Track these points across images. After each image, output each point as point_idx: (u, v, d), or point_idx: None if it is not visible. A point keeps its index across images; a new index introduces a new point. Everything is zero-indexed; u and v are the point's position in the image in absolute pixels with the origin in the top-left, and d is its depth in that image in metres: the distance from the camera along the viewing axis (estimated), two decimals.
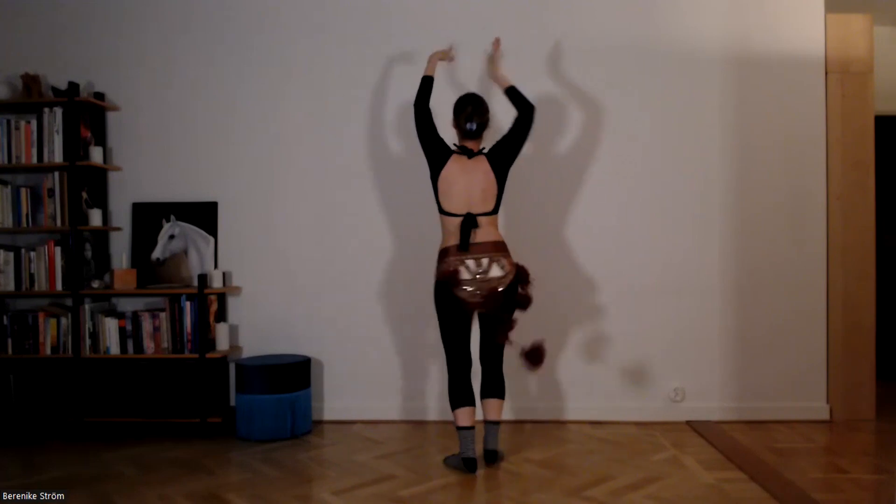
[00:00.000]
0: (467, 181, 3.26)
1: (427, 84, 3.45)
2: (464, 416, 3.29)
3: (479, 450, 3.37)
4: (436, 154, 3.31)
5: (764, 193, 4.13)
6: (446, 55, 3.68)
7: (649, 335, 4.13)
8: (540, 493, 3.02)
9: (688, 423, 4.09)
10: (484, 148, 3.36)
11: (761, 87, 4.13)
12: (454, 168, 3.27)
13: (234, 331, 4.21)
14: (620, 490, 3.05)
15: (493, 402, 3.37)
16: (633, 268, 4.13)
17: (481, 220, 3.26)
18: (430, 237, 3.98)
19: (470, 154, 3.30)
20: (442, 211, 3.32)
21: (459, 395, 3.32)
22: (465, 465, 3.25)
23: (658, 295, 4.12)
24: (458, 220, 3.25)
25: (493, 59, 3.61)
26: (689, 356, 4.14)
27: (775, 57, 4.12)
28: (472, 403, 3.33)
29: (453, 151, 3.32)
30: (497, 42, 3.64)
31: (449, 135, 3.39)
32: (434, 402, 4.18)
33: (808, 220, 4.13)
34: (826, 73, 4.12)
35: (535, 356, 3.32)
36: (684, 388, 4.13)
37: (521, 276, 3.28)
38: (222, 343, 4.03)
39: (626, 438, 3.81)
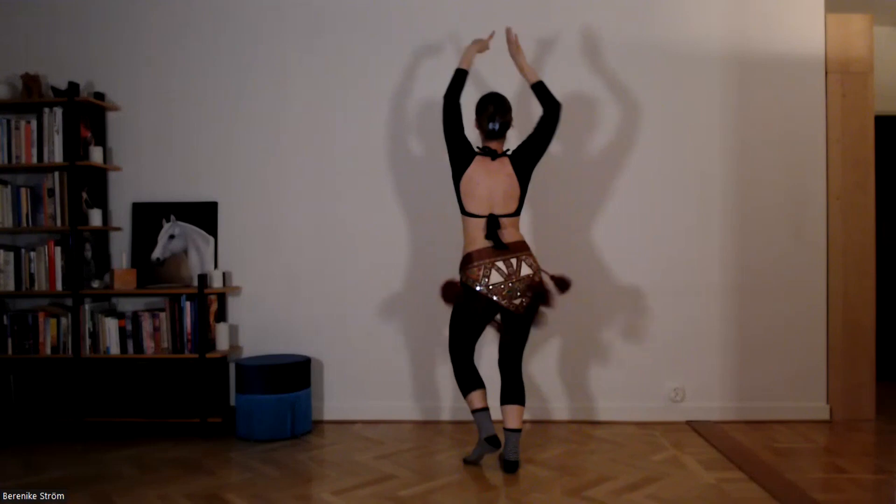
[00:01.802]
0: (490, 183, 3.23)
1: (460, 77, 3.37)
2: (477, 399, 3.30)
3: (494, 453, 3.36)
4: (460, 155, 3.27)
5: (764, 193, 4.13)
6: (485, 46, 3.50)
7: (649, 335, 4.13)
8: (540, 493, 3.02)
9: (688, 423, 4.09)
10: (508, 150, 3.33)
11: (761, 87, 4.13)
12: (478, 170, 3.24)
13: (234, 331, 4.21)
14: (620, 490, 3.05)
15: (512, 409, 3.26)
16: (634, 268, 4.13)
17: (504, 221, 3.23)
18: (431, 237, 3.99)
19: (493, 156, 3.27)
20: (464, 212, 3.28)
21: (468, 379, 3.33)
22: (490, 443, 3.25)
23: (658, 295, 4.12)
24: (481, 221, 3.23)
25: (513, 50, 3.50)
26: (689, 356, 4.14)
27: (775, 57, 4.12)
28: (482, 385, 3.34)
29: (476, 153, 3.28)
30: (508, 31, 3.51)
31: (472, 136, 3.37)
32: (434, 402, 4.18)
33: (808, 220, 4.13)
34: (826, 73, 4.13)
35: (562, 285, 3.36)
36: (684, 388, 4.13)
37: (561, 284, 3.35)
38: (222, 343, 4.03)
39: (626, 438, 3.81)
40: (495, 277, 3.19)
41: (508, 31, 3.52)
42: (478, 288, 3.20)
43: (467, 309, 3.27)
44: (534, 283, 3.22)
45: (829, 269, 4.13)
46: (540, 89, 3.38)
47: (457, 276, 3.32)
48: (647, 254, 4.13)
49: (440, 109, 3.37)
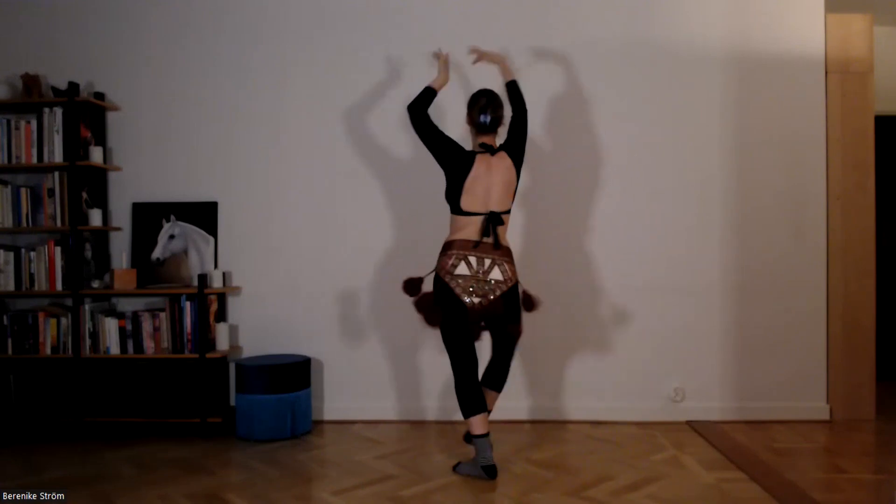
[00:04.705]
0: (489, 180, 3.19)
1: (428, 94, 3.34)
2: (479, 424, 3.18)
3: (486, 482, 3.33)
4: (455, 160, 3.21)
5: (764, 193, 4.13)
6: (444, 78, 3.44)
7: (649, 335, 4.13)
8: (540, 493, 3.02)
9: (688, 423, 4.09)
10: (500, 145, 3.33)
11: (761, 87, 4.13)
12: (480, 169, 3.18)
13: (234, 331, 4.21)
14: (620, 490, 3.05)
15: (489, 394, 3.35)
16: (634, 267, 4.13)
17: (503, 218, 3.23)
18: (430, 237, 3.98)
19: (492, 151, 3.24)
20: (460, 211, 3.21)
21: (472, 401, 3.20)
22: (486, 473, 3.17)
23: (658, 294, 4.12)
24: (477, 218, 3.19)
25: (482, 55, 3.58)
26: (689, 356, 4.14)
27: (775, 57, 4.12)
28: (486, 409, 3.24)
29: (476, 152, 3.23)
30: (474, 50, 3.62)
31: (456, 136, 3.37)
32: (434, 402, 4.18)
33: (807, 220, 4.13)
34: (826, 73, 4.13)
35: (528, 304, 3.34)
36: (684, 388, 4.13)
37: (527, 303, 3.32)
38: (222, 343, 4.03)
39: (626, 438, 3.81)
40: (462, 269, 3.15)
41: (473, 49, 3.62)
42: (446, 279, 3.16)
43: (442, 301, 3.18)
44: (497, 290, 3.17)
45: (829, 269, 4.13)
46: (512, 88, 3.42)
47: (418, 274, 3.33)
48: (647, 254, 4.13)
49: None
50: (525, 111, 3.39)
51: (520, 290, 3.29)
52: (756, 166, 4.13)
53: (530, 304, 3.33)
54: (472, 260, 3.16)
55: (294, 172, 4.21)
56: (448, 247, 3.22)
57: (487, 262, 3.17)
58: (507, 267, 3.20)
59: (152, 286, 4.09)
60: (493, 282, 3.16)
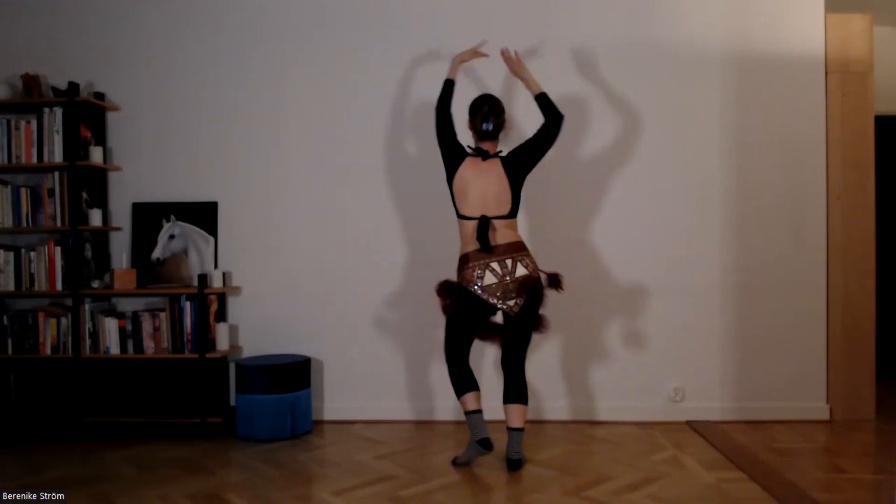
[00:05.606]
0: (482, 184, 3.24)
1: (448, 87, 3.44)
2: (470, 401, 3.27)
3: (499, 450, 3.36)
4: (451, 156, 3.31)
5: (764, 193, 4.13)
6: (471, 56, 3.58)
7: (649, 335, 4.13)
8: (540, 493, 3.02)
9: (688, 423, 4.09)
10: (501, 151, 3.33)
11: (761, 87, 4.13)
12: (468, 170, 3.25)
13: (234, 331, 4.21)
14: (620, 490, 3.04)
15: (514, 408, 3.27)
16: (634, 267, 4.13)
17: (497, 223, 3.24)
18: (431, 237, 3.99)
19: (485, 156, 3.27)
20: (459, 215, 3.30)
21: (461, 381, 3.31)
22: (482, 446, 3.23)
23: (658, 294, 4.12)
24: (474, 223, 3.23)
25: (515, 66, 3.51)
26: (689, 356, 4.14)
27: (775, 57, 4.12)
28: (476, 388, 3.32)
29: (468, 154, 3.30)
30: (505, 52, 3.53)
31: (466, 137, 3.38)
32: (434, 402, 4.17)
33: (807, 220, 4.13)
34: (826, 73, 4.12)
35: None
36: (684, 388, 4.13)
37: (554, 281, 3.31)
38: (222, 343, 4.03)
39: (626, 438, 3.81)
40: (489, 279, 3.19)
41: (506, 52, 3.53)
42: (473, 289, 3.21)
43: (462, 311, 3.24)
44: (528, 284, 3.20)
45: (829, 269, 4.13)
46: (543, 101, 3.39)
47: (453, 277, 3.32)
48: (648, 254, 4.13)
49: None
50: (561, 120, 3.34)
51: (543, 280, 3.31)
52: (756, 166, 4.13)
53: (556, 282, 3.31)
54: (496, 266, 3.20)
55: (294, 172, 4.21)
56: (465, 260, 3.25)
57: (509, 262, 3.21)
58: (528, 260, 3.24)
59: (152, 286, 4.09)
60: (520, 278, 3.19)
